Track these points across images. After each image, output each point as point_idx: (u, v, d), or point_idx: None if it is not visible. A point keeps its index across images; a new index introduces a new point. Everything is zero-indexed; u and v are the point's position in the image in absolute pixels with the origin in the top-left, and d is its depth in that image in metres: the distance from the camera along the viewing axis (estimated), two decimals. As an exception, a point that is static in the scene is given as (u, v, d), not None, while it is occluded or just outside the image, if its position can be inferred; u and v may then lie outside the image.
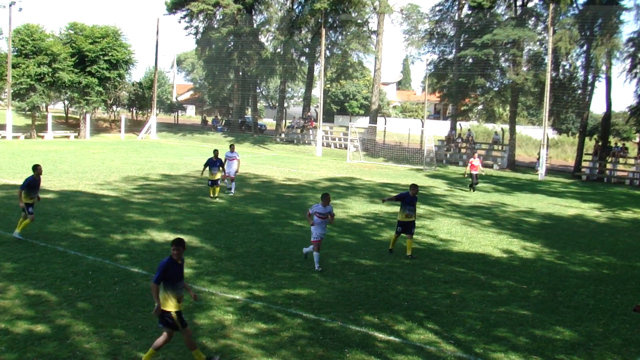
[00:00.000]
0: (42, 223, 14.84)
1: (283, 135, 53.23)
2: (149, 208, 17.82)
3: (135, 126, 56.08)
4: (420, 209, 20.85)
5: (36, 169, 13.58)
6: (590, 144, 44.38)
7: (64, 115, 54.86)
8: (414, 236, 14.16)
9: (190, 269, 11.67)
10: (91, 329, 8.39)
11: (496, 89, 44.88)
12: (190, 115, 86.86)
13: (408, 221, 13.73)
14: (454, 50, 45.25)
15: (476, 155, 30.06)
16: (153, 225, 15.30)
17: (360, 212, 19.45)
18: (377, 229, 16.91)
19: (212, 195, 20.49)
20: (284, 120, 57.24)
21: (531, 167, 41.19)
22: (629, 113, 43.67)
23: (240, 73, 56.52)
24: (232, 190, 21.67)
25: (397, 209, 20.72)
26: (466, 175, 28.15)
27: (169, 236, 14.29)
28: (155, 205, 18.38)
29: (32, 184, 13.31)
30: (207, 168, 20.48)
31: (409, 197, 13.86)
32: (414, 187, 14.08)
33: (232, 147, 22.28)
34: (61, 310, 9.13)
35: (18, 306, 9.17)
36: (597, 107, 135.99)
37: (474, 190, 26.94)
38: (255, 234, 15.14)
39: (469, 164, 27.52)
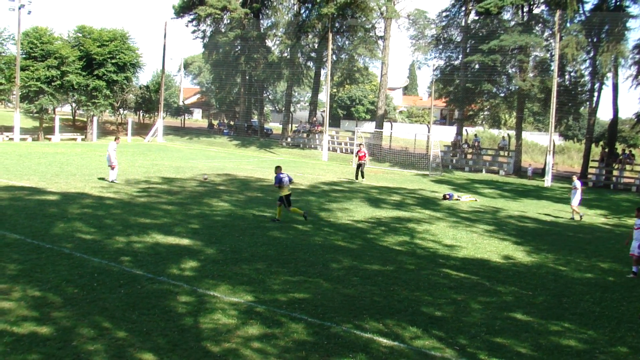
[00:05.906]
0: (48, 225, 14.92)
1: (289, 140, 53.29)
2: (154, 211, 17.87)
3: (142, 129, 56.30)
4: (424, 214, 20.81)
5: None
6: (596, 150, 44.20)
7: (72, 117, 55.16)
8: (417, 240, 14.04)
9: (195, 272, 11.69)
10: (95, 332, 8.41)
11: (502, 94, 44.88)
12: (197, 118, 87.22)
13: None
14: (460, 56, 45.26)
15: None
16: (158, 228, 15.33)
17: (364, 217, 19.43)
18: (381, 234, 16.89)
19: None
20: (290, 125, 57.34)
21: (536, 173, 41.00)
22: (635, 120, 43.51)
23: (247, 77, 56.68)
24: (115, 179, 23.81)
25: (399, 213, 20.82)
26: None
27: (174, 239, 14.32)
28: (160, 209, 18.43)
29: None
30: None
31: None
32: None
33: (117, 139, 26.41)
34: (66, 312, 9.16)
35: (23, 307, 9.21)
36: (604, 114, 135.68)
37: None
38: (260, 238, 15.14)
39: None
